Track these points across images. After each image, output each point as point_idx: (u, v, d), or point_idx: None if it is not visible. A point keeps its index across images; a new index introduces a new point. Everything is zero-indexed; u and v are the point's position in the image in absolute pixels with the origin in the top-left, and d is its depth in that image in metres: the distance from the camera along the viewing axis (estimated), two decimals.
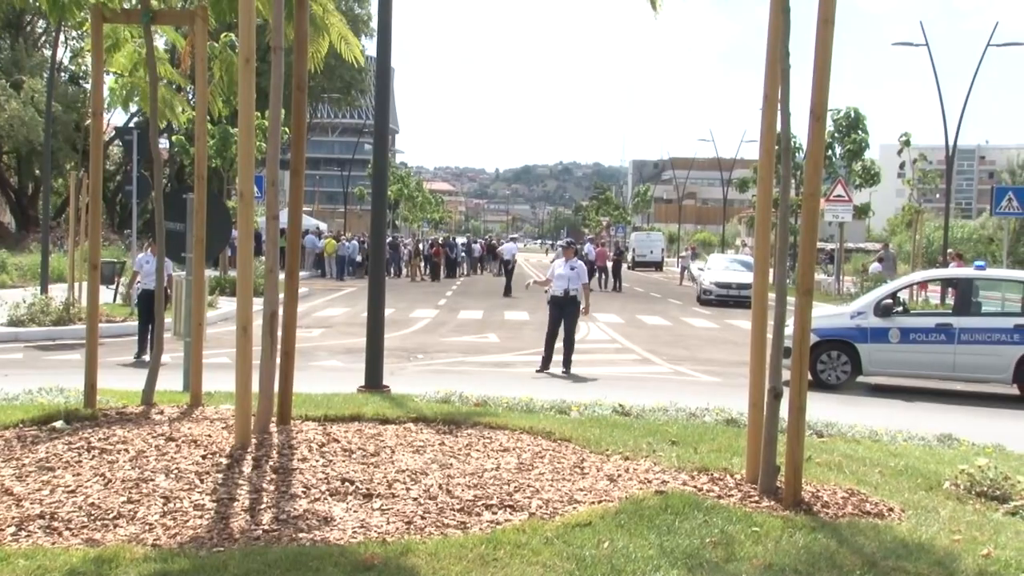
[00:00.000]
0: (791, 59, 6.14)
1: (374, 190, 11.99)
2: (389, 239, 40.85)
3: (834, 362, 14.17)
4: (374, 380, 11.18)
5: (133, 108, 10.49)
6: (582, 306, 14.84)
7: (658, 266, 63.99)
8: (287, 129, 12.46)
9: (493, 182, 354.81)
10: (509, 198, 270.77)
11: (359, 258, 41.82)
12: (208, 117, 8.98)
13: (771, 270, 6.73)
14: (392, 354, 14.97)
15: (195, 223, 8.62)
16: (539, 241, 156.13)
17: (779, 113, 6.19)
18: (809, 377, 9.85)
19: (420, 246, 47.30)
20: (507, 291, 33.05)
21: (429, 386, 10.66)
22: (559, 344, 14.66)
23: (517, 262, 38.44)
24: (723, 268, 32.14)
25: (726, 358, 17.26)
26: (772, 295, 6.27)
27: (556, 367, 14.49)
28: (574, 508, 5.86)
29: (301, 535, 5.25)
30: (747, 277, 29.56)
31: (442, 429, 7.90)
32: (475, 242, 56.46)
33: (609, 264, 39.47)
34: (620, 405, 9.65)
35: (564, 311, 14.68)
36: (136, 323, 15.54)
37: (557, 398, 10.06)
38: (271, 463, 6.45)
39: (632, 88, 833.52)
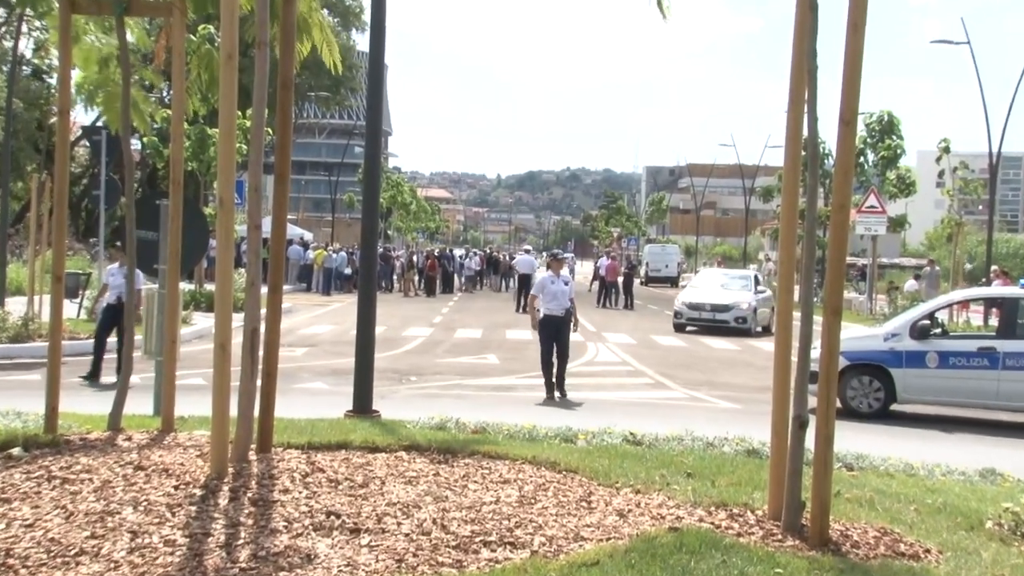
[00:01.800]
0: (819, 59, 6.18)
1: (365, 197, 12.03)
2: (381, 250, 40.87)
3: (865, 388, 14.18)
4: (363, 404, 11.18)
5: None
6: (572, 322, 15.00)
7: (674, 282, 63.98)
8: (271, 130, 12.49)
9: (494, 189, 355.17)
10: (512, 206, 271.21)
11: (347, 271, 41.88)
12: (184, 117, 9.03)
13: (796, 287, 6.75)
14: (383, 376, 14.99)
15: (170, 232, 8.65)
16: (544, 253, 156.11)
17: (806, 117, 6.23)
18: (838, 404, 9.85)
19: (414, 258, 47.40)
20: (518, 308, 33.55)
21: (423, 411, 10.67)
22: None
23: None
24: (708, 286, 29.53)
25: (747, 383, 17.27)
26: (798, 314, 6.28)
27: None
28: (580, 546, 5.86)
29: (282, 574, 5.25)
30: (729, 297, 27.90)
31: (437, 458, 7.91)
32: (475, 253, 56.40)
33: (620, 279, 39.46)
34: (631, 433, 9.67)
35: (561, 331, 14.73)
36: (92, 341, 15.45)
37: (562, 425, 10.06)
38: (250, 494, 6.45)
39: (646, 89, 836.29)
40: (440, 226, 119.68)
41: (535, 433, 9.61)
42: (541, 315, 14.86)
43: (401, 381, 15.88)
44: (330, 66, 9.31)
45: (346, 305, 32.23)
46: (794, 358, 6.37)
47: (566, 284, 14.94)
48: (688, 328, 27.61)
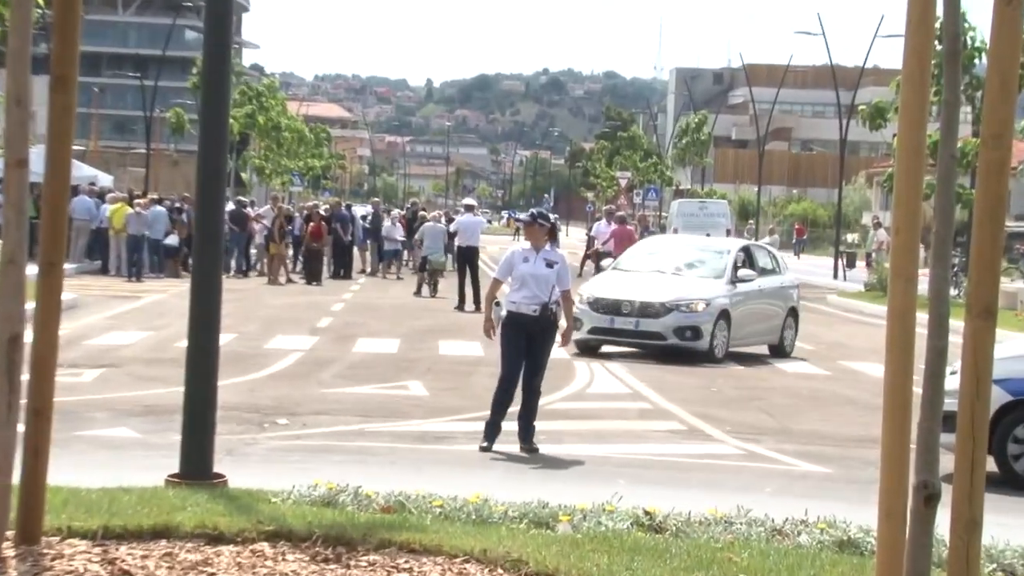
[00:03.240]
0: None
1: (204, 115, 11.96)
2: (231, 206, 40.71)
3: None
4: (198, 464, 11.13)
5: None
6: (561, 329, 15.16)
7: None
8: (43, 2, 12.39)
9: (422, 105, 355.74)
10: (450, 133, 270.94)
11: (172, 240, 41.64)
12: None
13: (925, 272, 6.80)
14: (232, 417, 14.97)
15: None
16: (504, 213, 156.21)
17: None
18: (990, 466, 9.90)
19: (289, 220, 47.28)
20: (462, 302, 34.03)
21: (299, 476, 10.69)
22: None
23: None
24: (646, 266, 26.76)
25: (839, 430, 17.38)
26: (925, 317, 6.33)
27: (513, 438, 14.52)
28: None
29: None
30: (672, 290, 24.85)
31: (323, 554, 7.90)
32: (396, 214, 56.30)
33: None
34: (646, 512, 9.74)
35: (535, 340, 14.73)
36: None
37: (531, 498, 10.11)
38: None
39: None
40: (331, 165, 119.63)
41: (487, 511, 9.62)
42: (504, 313, 14.79)
43: (263, 426, 15.82)
44: None
45: (169, 297, 32.16)
46: (918, 389, 6.40)
47: (550, 266, 14.67)
48: (601, 350, 24.91)
